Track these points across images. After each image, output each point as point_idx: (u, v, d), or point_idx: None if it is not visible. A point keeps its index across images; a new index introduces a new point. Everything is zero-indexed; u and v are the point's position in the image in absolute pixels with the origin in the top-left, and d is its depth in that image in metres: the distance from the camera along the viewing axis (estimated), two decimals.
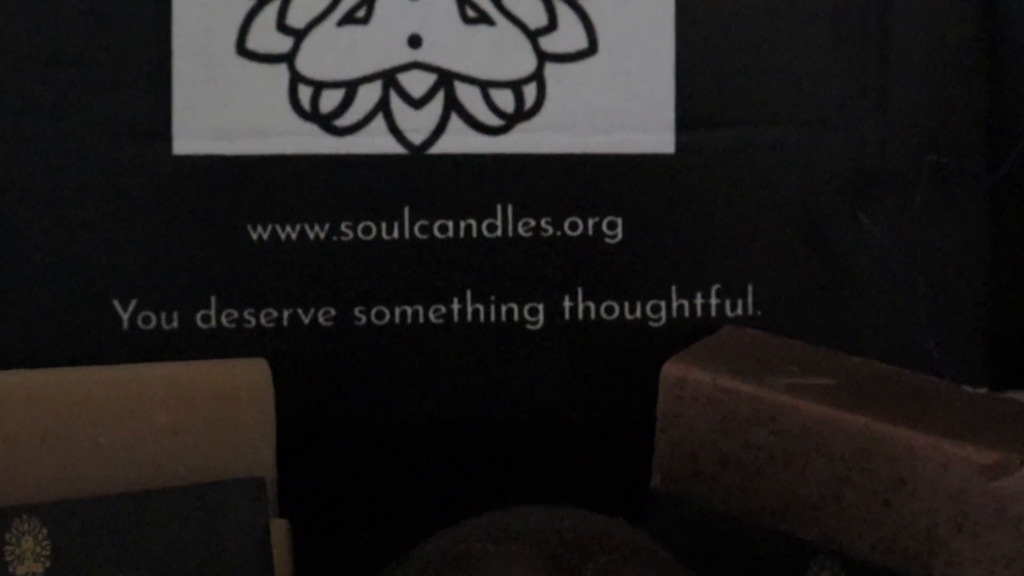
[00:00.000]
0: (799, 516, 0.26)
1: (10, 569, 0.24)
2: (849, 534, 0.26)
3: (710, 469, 0.27)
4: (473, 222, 0.30)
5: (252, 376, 0.27)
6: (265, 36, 0.30)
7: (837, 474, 0.26)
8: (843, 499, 0.26)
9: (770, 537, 0.27)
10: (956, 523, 0.24)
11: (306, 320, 0.30)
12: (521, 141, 0.30)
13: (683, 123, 0.31)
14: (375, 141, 0.30)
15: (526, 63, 0.30)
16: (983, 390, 0.28)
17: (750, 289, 0.31)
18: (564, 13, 0.30)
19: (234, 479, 0.26)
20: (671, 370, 0.27)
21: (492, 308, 0.30)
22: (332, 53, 0.30)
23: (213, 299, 0.30)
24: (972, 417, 0.25)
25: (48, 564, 0.24)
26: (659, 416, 0.28)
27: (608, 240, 0.31)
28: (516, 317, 0.30)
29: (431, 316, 0.30)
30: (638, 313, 0.31)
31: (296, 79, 0.30)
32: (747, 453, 0.26)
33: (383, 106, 0.30)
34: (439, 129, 0.30)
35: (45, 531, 0.24)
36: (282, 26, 0.30)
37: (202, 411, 0.26)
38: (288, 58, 0.30)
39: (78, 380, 0.26)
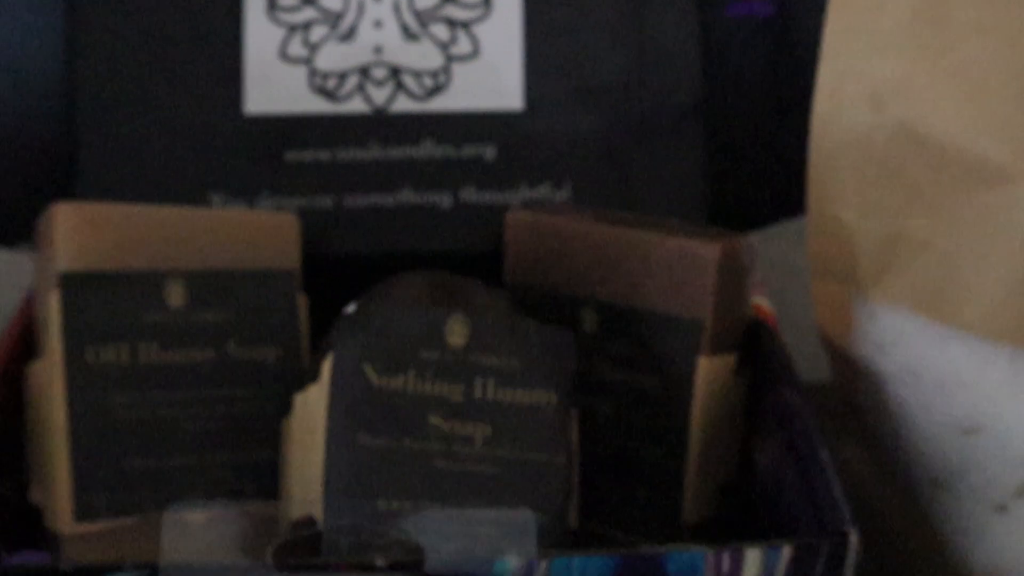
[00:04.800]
0: (576, 283, 0.48)
1: (167, 302, 0.46)
2: (601, 289, 0.47)
3: (533, 265, 0.49)
4: (410, 147, 0.53)
5: (288, 220, 0.50)
6: (295, 48, 0.53)
7: (597, 257, 0.47)
8: (597, 270, 0.47)
9: (561, 297, 0.48)
10: (649, 273, 0.46)
11: (317, 204, 0.53)
12: (438, 104, 0.53)
13: (527, 95, 0.53)
14: (356, 105, 0.53)
15: (439, 61, 0.53)
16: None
17: (569, 185, 0.54)
18: (461, 34, 0.54)
19: (278, 269, 0.49)
20: (510, 215, 0.50)
21: (420, 196, 0.53)
22: (332, 56, 0.53)
23: (266, 192, 0.53)
24: (674, 228, 0.47)
25: (187, 301, 0.46)
26: (505, 241, 0.50)
27: (487, 158, 0.53)
28: (434, 200, 0.53)
29: (386, 202, 0.53)
30: (503, 199, 0.53)
31: (312, 72, 0.53)
32: (553, 255, 0.48)
33: (361, 86, 0.53)
34: (391, 98, 0.53)
35: (182, 281, 0.47)
36: (305, 42, 0.53)
37: (260, 235, 0.49)
38: (308, 60, 0.53)
39: (195, 213, 0.49)
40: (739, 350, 0.47)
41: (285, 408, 0.46)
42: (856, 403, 0.49)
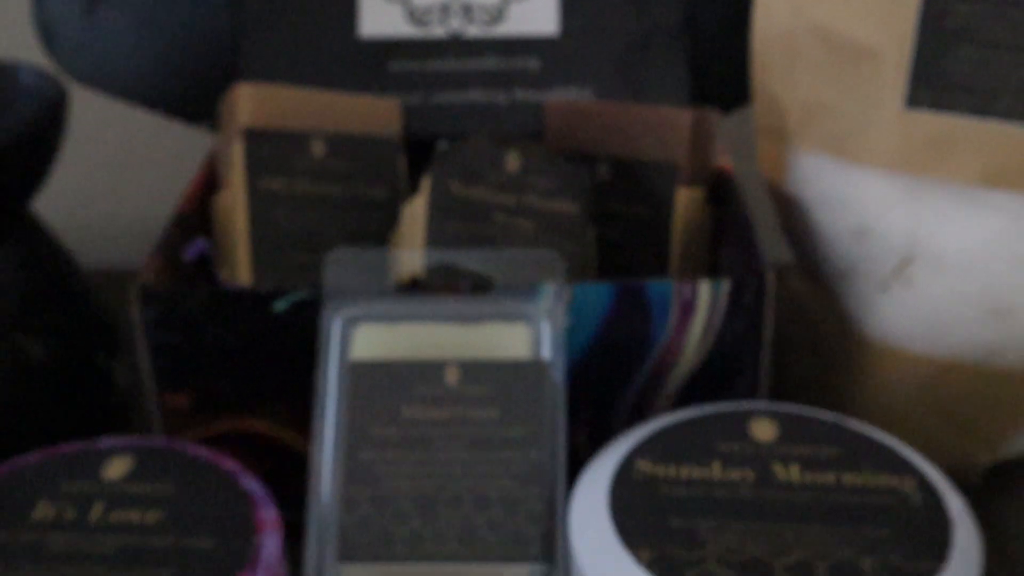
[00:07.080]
0: (594, 146, 0.68)
1: (311, 153, 0.67)
2: (612, 148, 0.68)
3: (565, 135, 0.69)
4: (477, 61, 0.74)
5: (393, 104, 0.71)
6: None
7: (608, 126, 0.68)
8: (608, 135, 0.68)
9: (584, 156, 0.69)
10: (644, 134, 0.66)
11: (410, 101, 0.74)
12: (498, 30, 0.74)
13: (561, 23, 0.74)
14: (438, 30, 0.74)
15: (498, 2, 0.74)
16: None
17: (591, 87, 0.74)
18: None
19: (386, 136, 0.69)
20: (548, 103, 0.70)
21: (485, 95, 0.74)
22: None
23: (374, 91, 0.74)
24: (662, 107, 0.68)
25: (325, 153, 0.67)
26: (545, 120, 0.70)
27: (532, 69, 0.74)
28: (495, 98, 0.74)
29: (460, 99, 0.74)
30: (543, 97, 0.74)
31: (407, 7, 0.74)
32: (578, 127, 0.69)
33: (444, 17, 0.74)
34: (464, 26, 0.74)
35: (323, 139, 0.67)
36: None
37: (374, 113, 0.70)
38: (404, 1, 0.75)
39: (331, 95, 0.69)
40: (707, 188, 0.67)
41: (391, 224, 0.67)
42: (790, 225, 0.69)
